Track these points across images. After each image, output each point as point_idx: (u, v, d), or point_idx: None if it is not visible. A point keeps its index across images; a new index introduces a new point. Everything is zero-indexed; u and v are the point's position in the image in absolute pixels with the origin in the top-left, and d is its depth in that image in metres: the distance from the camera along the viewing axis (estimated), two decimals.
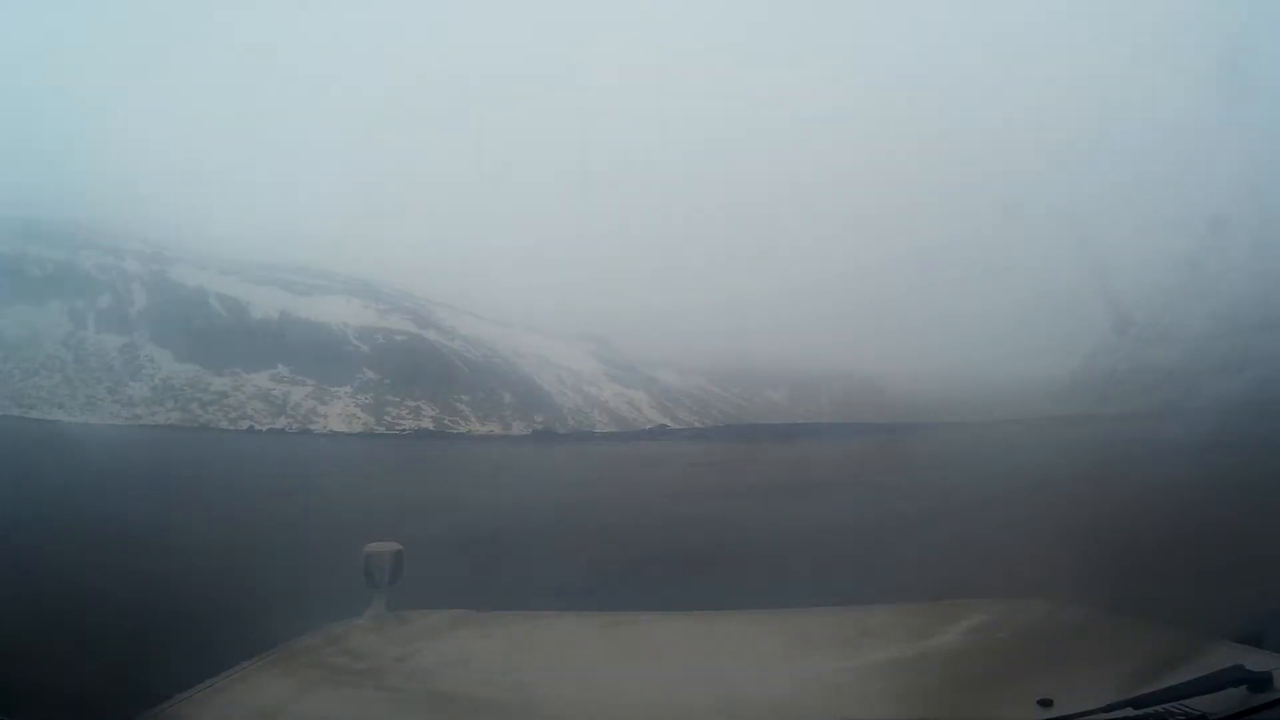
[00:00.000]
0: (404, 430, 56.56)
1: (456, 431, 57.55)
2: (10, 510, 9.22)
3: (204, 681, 1.28)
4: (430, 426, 61.15)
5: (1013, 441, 18.93)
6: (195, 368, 69.57)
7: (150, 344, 72.04)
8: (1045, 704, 1.06)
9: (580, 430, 67.99)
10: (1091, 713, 1.02)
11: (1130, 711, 1.01)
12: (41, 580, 5.63)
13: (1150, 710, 1.02)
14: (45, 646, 3.95)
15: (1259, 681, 1.06)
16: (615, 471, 18.54)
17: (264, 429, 54.18)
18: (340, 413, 64.81)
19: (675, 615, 2.46)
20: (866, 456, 19.52)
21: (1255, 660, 1.12)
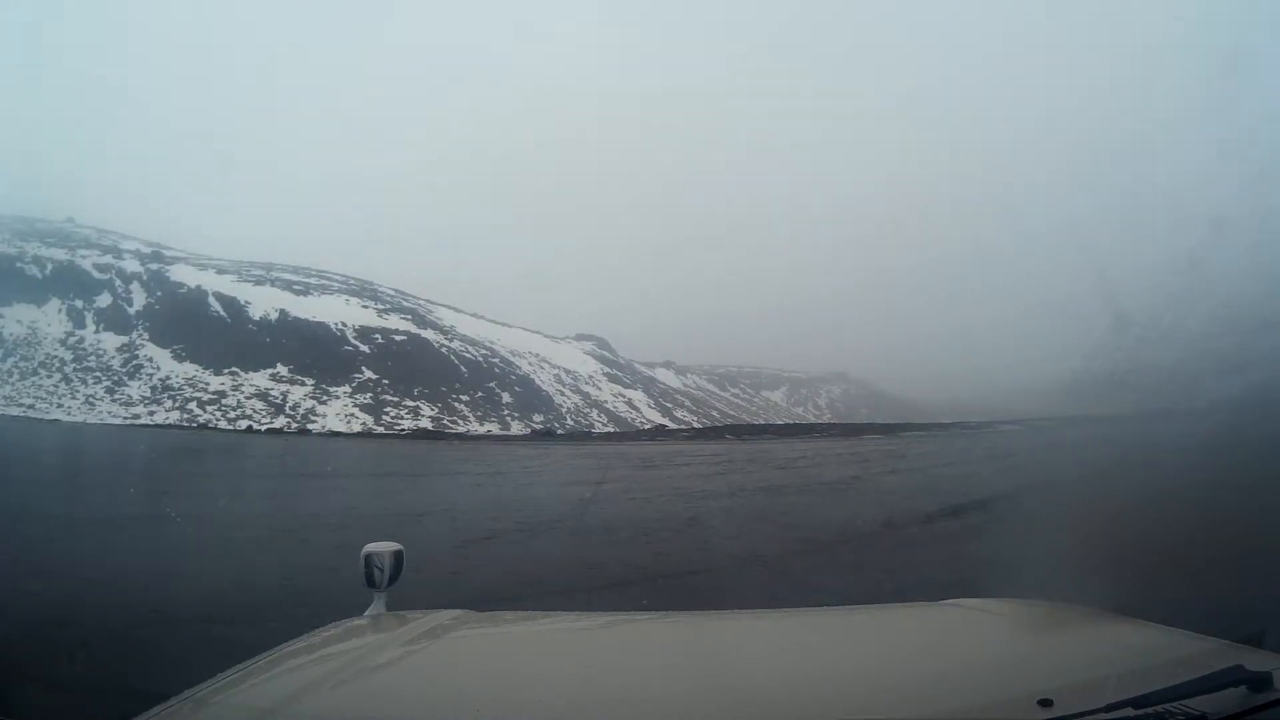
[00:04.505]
0: (403, 430, 56.50)
1: (454, 432, 57.50)
2: None
3: (203, 681, 1.27)
4: (429, 426, 61.16)
5: (1009, 442, 18.97)
6: (194, 367, 69.66)
7: (149, 343, 72.14)
8: (1045, 704, 1.05)
9: (579, 430, 68.12)
10: (1091, 713, 1.01)
11: (1130, 711, 1.01)
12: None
13: (1150, 710, 1.02)
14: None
15: (1259, 681, 1.05)
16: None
17: (263, 428, 54.14)
18: (339, 412, 64.84)
19: (675, 615, 2.46)
20: (870, 456, 19.54)
21: (1255, 660, 1.11)
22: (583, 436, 51.75)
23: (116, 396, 63.75)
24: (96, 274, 77.68)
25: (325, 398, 67.53)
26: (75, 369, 66.79)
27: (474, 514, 10.13)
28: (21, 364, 65.74)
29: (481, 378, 80.00)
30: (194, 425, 54.18)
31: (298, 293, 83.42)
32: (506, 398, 79.24)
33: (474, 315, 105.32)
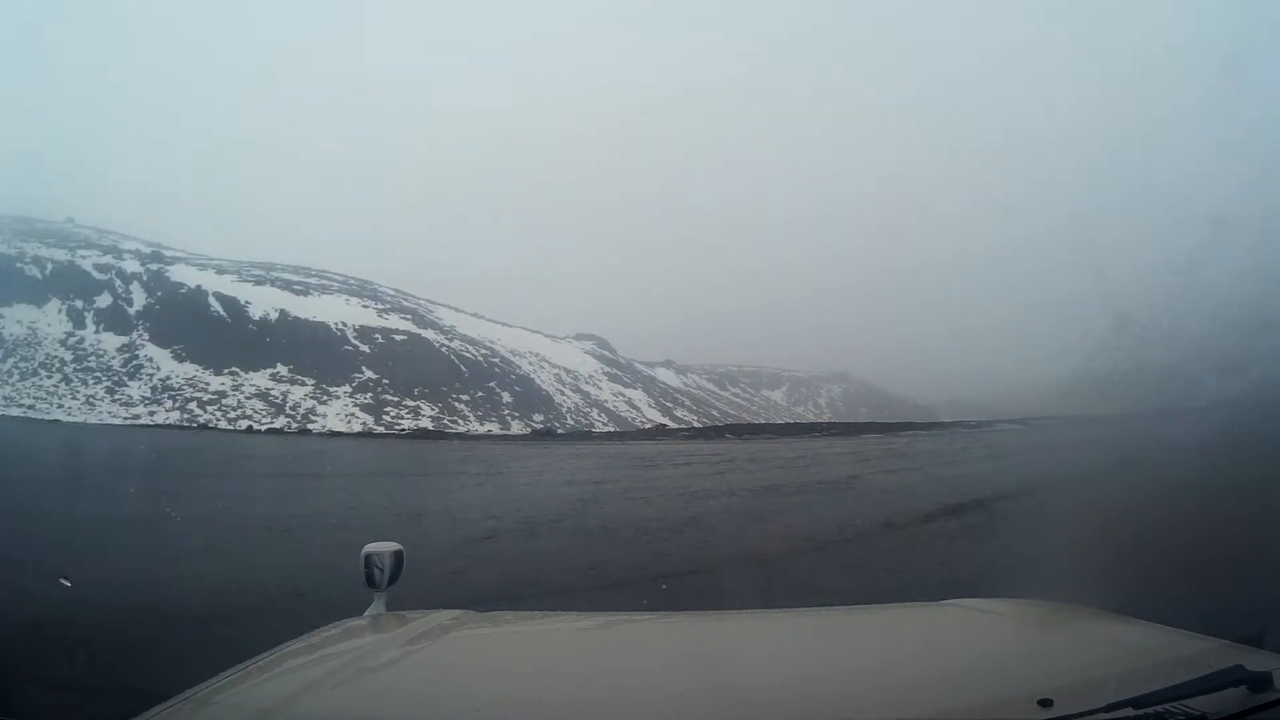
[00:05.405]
0: (403, 430, 56.48)
1: (454, 431, 57.50)
2: None
3: (203, 681, 1.27)
4: (430, 426, 61.16)
5: (1009, 441, 18.95)
6: (194, 367, 69.68)
7: (149, 344, 72.15)
8: (1045, 704, 1.05)
9: (579, 429, 68.12)
10: (1091, 713, 1.01)
11: (1130, 711, 1.01)
12: None
13: (1150, 710, 1.01)
14: None
15: (1259, 681, 1.05)
16: None
17: (263, 428, 54.13)
18: (339, 412, 64.87)
19: (675, 615, 2.46)
20: (870, 455, 19.53)
21: (1255, 660, 1.11)
22: (583, 436, 51.72)
23: (117, 397, 63.75)
24: (96, 274, 77.66)
25: (325, 398, 67.55)
26: (75, 369, 66.79)
27: (474, 513, 10.12)
28: (22, 364, 65.73)
29: (481, 377, 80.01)
30: (194, 425, 54.14)
31: (298, 293, 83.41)
32: (506, 397, 79.25)
33: (474, 315, 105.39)
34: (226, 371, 68.58)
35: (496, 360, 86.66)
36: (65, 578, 5.09)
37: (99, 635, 4.26)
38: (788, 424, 68.10)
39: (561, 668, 1.55)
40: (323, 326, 76.78)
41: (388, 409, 67.22)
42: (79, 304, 74.24)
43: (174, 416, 59.24)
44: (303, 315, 77.54)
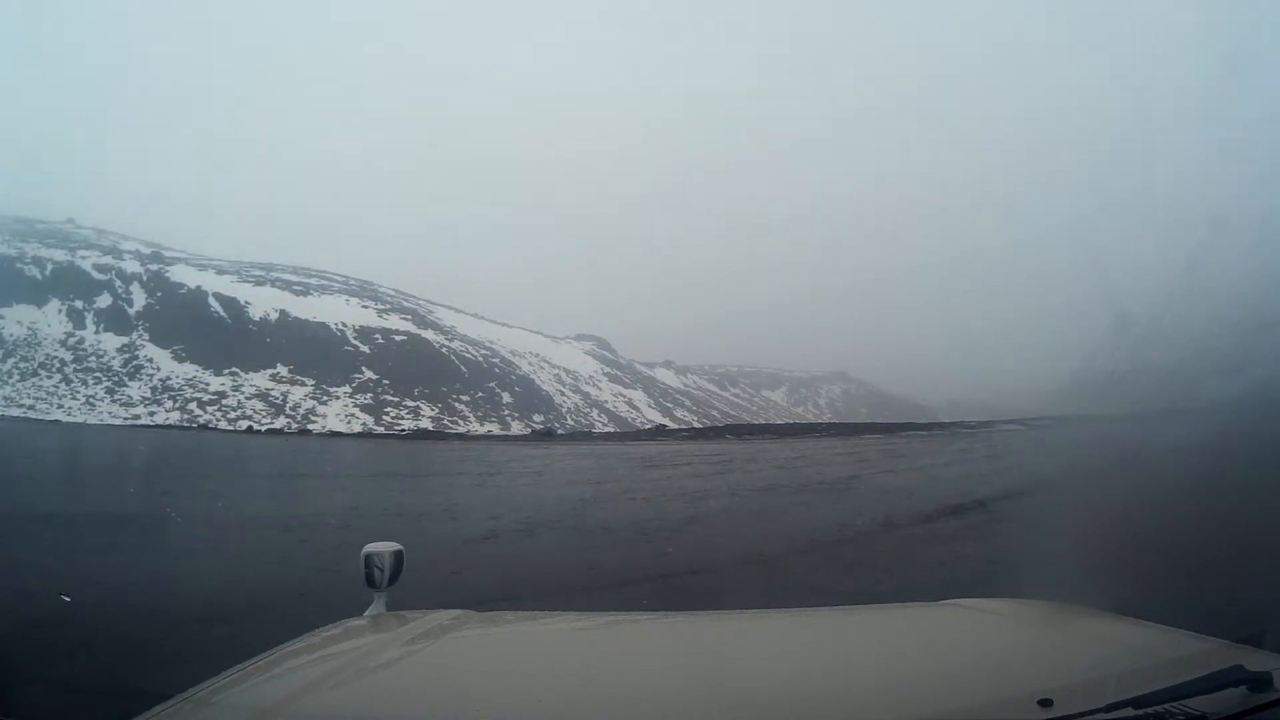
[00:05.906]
0: (403, 431, 56.45)
1: (455, 432, 57.48)
2: None
3: (203, 681, 1.27)
4: (430, 426, 61.17)
5: (1009, 441, 18.97)
6: (194, 368, 69.72)
7: (149, 344, 72.19)
8: (1045, 704, 1.05)
9: (579, 429, 68.14)
10: (1091, 713, 1.01)
11: (1130, 711, 1.01)
12: None
13: (1150, 710, 1.01)
14: None
15: (1259, 681, 1.05)
16: None
17: (263, 429, 54.10)
18: (339, 412, 64.91)
19: (675, 615, 2.46)
20: (870, 456, 19.53)
21: (1255, 660, 1.11)
22: (583, 436, 51.67)
23: (117, 397, 63.77)
24: (96, 274, 77.68)
25: (325, 398, 67.58)
26: (75, 369, 66.82)
27: (474, 514, 10.11)
28: (22, 365, 65.76)
29: (482, 378, 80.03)
30: (194, 426, 54.14)
31: (298, 293, 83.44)
32: (507, 398, 79.28)
33: (474, 315, 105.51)
34: (226, 372, 68.62)
35: (497, 361, 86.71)
36: (65, 594, 5.05)
37: (99, 635, 4.26)
38: (787, 424, 68.09)
39: (561, 668, 1.55)
40: (323, 327, 76.82)
41: (388, 409, 67.25)
42: (79, 304, 74.29)
43: (174, 417, 59.27)
44: (303, 315, 77.59)
